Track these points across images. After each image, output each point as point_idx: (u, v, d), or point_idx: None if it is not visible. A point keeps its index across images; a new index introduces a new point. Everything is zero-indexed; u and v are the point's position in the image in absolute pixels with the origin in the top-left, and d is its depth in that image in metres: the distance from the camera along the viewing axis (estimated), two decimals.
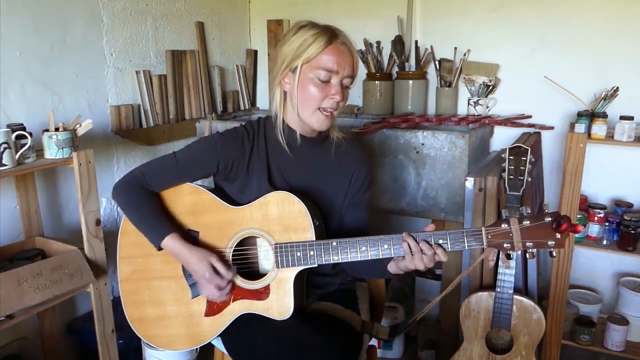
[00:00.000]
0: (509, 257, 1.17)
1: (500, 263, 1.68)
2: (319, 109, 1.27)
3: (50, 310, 1.82)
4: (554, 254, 1.13)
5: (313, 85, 1.25)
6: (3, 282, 1.39)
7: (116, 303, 1.75)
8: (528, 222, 1.12)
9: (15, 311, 1.42)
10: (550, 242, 1.11)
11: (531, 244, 1.12)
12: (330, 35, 1.25)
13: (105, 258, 1.69)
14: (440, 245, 1.15)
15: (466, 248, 1.15)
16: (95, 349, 1.72)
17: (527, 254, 1.16)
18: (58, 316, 1.88)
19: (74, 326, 1.96)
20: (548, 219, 1.11)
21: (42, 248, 1.69)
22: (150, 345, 1.85)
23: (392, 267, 1.26)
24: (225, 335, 1.33)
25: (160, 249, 1.28)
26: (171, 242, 1.26)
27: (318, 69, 1.24)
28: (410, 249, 1.15)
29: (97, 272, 1.64)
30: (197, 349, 1.93)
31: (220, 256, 1.28)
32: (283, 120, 1.34)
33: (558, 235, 1.11)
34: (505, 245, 1.13)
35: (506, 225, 1.13)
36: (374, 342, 1.54)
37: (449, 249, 1.16)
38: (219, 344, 1.41)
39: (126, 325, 1.38)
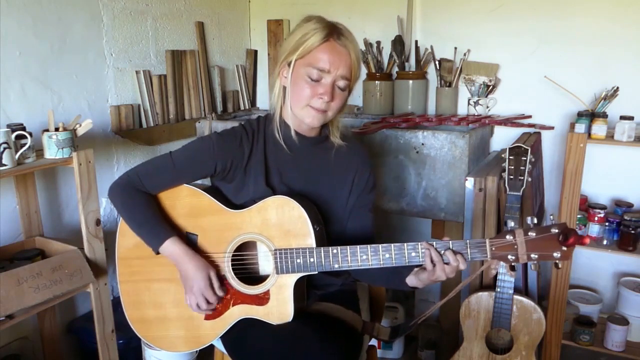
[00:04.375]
0: (512, 268, 1.13)
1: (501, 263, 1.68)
2: (308, 105, 1.23)
3: (50, 310, 1.82)
4: (560, 265, 1.09)
5: (304, 83, 1.21)
6: (3, 282, 1.39)
7: (116, 303, 1.75)
8: (533, 233, 1.08)
9: (15, 311, 1.42)
10: (556, 254, 1.08)
11: (536, 256, 1.09)
12: (330, 32, 1.20)
13: (105, 258, 1.69)
14: (461, 254, 1.12)
15: (469, 259, 1.13)
16: (95, 349, 1.72)
17: (532, 266, 1.13)
18: (58, 316, 1.88)
19: (74, 326, 1.96)
20: (554, 231, 1.07)
21: (42, 248, 1.69)
22: (150, 346, 1.85)
23: (411, 280, 1.21)
24: (225, 337, 1.32)
25: (158, 253, 1.27)
26: (171, 246, 1.24)
27: (310, 66, 1.20)
28: (432, 259, 1.12)
29: (97, 272, 1.64)
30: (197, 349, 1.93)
31: (216, 266, 1.28)
32: (280, 116, 1.31)
33: (564, 248, 1.07)
34: (509, 257, 1.10)
35: (511, 237, 1.09)
36: (374, 342, 1.54)
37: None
38: (219, 344, 1.41)
39: (126, 325, 1.38)
